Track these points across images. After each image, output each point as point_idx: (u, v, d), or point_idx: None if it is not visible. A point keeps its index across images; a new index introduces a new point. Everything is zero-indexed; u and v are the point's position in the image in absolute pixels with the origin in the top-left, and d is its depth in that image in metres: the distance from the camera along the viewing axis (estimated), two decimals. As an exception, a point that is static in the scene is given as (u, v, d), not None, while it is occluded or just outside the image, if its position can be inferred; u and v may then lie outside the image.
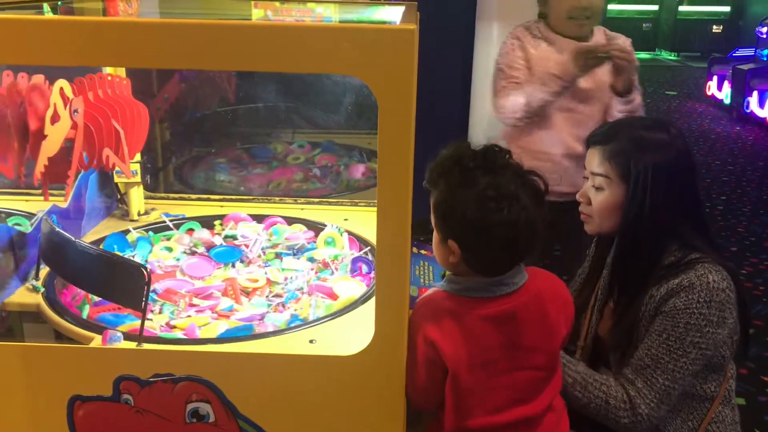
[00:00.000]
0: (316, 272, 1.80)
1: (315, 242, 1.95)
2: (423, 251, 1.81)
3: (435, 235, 1.28)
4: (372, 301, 1.23)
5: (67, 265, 1.58)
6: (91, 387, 1.27)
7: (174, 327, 1.53)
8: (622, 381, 1.40)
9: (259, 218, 2.06)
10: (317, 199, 2.25)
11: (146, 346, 1.38)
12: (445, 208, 1.23)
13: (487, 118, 3.20)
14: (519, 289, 1.26)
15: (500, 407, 1.26)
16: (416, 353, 1.24)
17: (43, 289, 1.61)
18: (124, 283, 1.45)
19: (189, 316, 1.57)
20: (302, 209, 2.15)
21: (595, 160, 1.48)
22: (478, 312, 1.24)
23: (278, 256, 1.88)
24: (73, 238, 1.54)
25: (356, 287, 1.68)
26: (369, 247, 1.90)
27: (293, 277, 1.76)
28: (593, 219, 1.51)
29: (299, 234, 1.99)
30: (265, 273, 1.77)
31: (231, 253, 1.87)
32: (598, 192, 1.48)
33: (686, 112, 8.14)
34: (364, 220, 2.05)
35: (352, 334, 1.43)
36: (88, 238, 1.90)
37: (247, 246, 1.90)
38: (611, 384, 1.40)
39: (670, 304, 1.38)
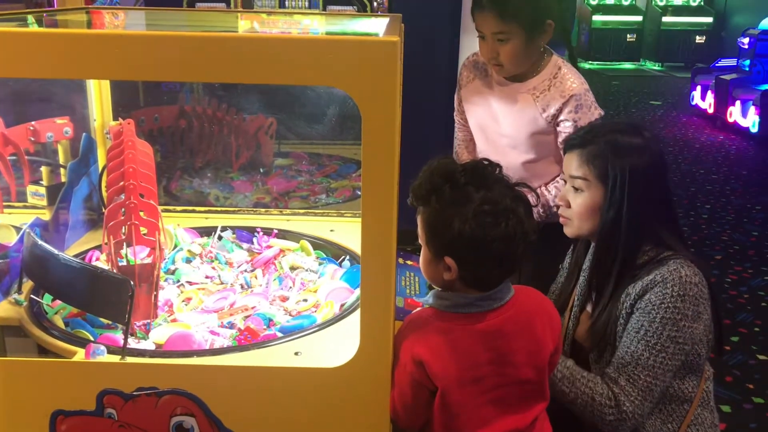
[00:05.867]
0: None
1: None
2: (409, 262, 1.81)
3: (424, 252, 1.27)
4: (358, 313, 1.23)
5: (50, 279, 1.57)
6: (74, 401, 1.26)
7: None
8: (606, 380, 1.42)
9: (250, 230, 2.06)
10: (303, 210, 2.24)
11: (130, 359, 1.37)
12: (440, 225, 1.22)
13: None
14: (505, 304, 1.26)
15: (489, 420, 1.26)
16: (403, 373, 1.24)
17: (25, 303, 1.59)
18: (108, 296, 1.44)
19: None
20: (288, 220, 2.15)
21: (573, 164, 1.51)
22: (468, 328, 1.24)
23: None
24: (56, 251, 1.52)
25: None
26: (347, 256, 1.90)
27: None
28: (572, 221, 1.54)
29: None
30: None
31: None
32: (577, 194, 1.51)
33: (670, 121, 8.21)
34: (351, 230, 2.05)
35: (338, 346, 1.43)
36: (71, 251, 1.88)
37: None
38: (598, 381, 1.42)
39: (644, 300, 1.41)
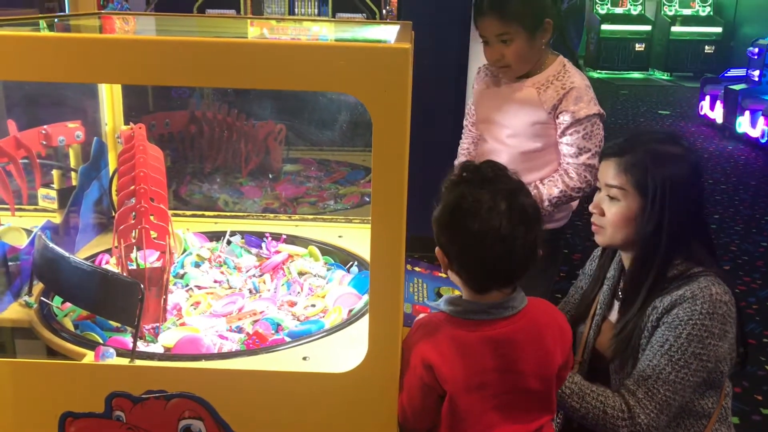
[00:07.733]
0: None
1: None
2: (417, 268, 1.81)
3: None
4: (365, 318, 1.23)
5: (60, 281, 1.58)
6: (83, 403, 1.27)
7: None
8: (622, 391, 1.40)
9: (259, 235, 2.06)
10: (311, 216, 2.25)
11: (139, 362, 1.37)
12: (436, 216, 1.27)
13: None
14: (517, 314, 1.26)
15: (493, 427, 1.26)
16: (412, 377, 1.24)
17: (35, 305, 1.60)
18: (118, 300, 1.45)
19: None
20: (296, 226, 2.16)
21: (610, 172, 1.48)
22: (477, 334, 1.24)
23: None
24: (66, 254, 1.53)
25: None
26: (354, 262, 1.90)
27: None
28: (606, 230, 1.51)
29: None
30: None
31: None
32: (612, 203, 1.48)
33: (679, 131, 8.20)
34: (358, 236, 2.06)
35: (345, 351, 1.43)
36: (81, 254, 1.89)
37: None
38: (608, 394, 1.40)
39: (672, 315, 1.39)
